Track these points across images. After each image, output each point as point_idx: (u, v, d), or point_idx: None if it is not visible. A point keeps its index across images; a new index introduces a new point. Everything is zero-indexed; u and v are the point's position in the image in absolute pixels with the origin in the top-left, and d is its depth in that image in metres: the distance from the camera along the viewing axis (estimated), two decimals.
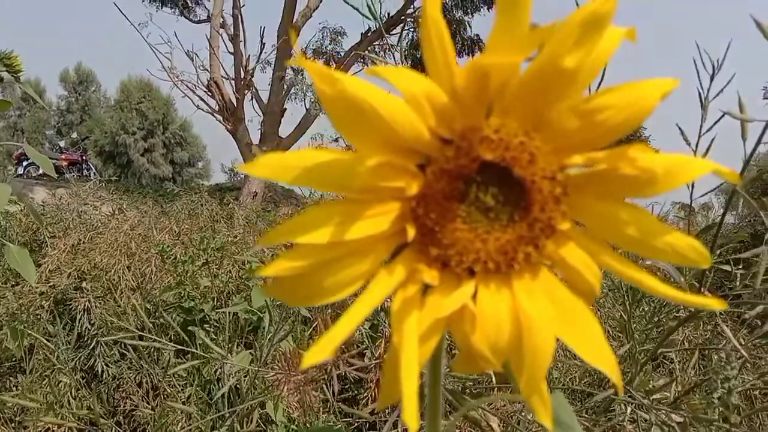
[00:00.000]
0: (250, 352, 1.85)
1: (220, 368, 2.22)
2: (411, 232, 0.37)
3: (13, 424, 2.76)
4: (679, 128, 1.17)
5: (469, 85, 0.35)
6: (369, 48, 13.30)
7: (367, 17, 1.10)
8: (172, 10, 13.93)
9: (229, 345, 2.41)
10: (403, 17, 13.25)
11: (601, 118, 0.36)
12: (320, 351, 0.33)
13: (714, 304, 0.38)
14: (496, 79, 0.35)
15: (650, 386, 1.34)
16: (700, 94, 1.22)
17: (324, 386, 1.37)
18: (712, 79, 1.20)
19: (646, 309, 1.52)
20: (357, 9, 1.11)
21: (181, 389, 2.80)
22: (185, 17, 14.02)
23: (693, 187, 1.22)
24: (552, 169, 0.37)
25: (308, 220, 0.36)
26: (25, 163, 15.44)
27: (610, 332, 1.88)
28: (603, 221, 0.38)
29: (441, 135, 0.37)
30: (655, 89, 0.35)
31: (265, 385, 1.38)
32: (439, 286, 0.38)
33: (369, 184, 0.35)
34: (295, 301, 0.37)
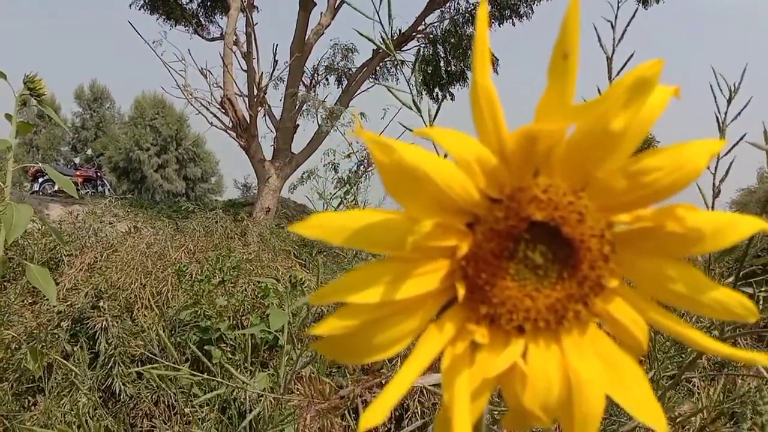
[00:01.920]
0: (269, 374, 1.85)
1: (238, 390, 2.22)
2: (461, 291, 0.37)
3: None
4: None
5: (518, 149, 0.36)
6: (381, 64, 13.38)
7: (370, 40, 1.11)
8: (186, 28, 14.07)
9: (245, 365, 2.41)
10: (414, 33, 13.31)
11: (648, 180, 0.36)
12: (374, 416, 0.33)
13: (760, 358, 0.38)
14: (545, 143, 0.36)
15: (675, 413, 1.33)
16: (717, 118, 1.22)
17: (348, 414, 1.37)
18: (729, 102, 1.20)
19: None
20: (359, 32, 1.11)
21: (198, 408, 2.80)
22: (199, 35, 14.16)
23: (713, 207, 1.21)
24: (600, 227, 0.38)
25: (358, 279, 0.36)
26: (41, 180, 15.57)
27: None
28: (650, 278, 0.39)
29: (490, 195, 0.37)
30: (703, 151, 0.36)
31: (286, 411, 1.39)
32: (489, 344, 0.38)
33: (421, 244, 0.36)
34: (345, 358, 0.38)
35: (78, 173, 17.65)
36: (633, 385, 0.38)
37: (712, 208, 1.15)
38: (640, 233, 0.38)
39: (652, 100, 0.36)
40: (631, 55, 1.18)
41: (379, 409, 0.34)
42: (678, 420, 1.30)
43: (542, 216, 0.37)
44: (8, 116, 1.83)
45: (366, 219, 0.36)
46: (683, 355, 1.33)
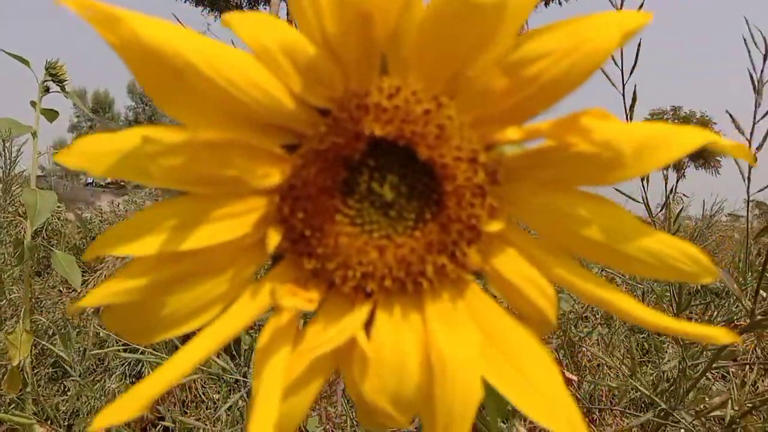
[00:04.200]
0: None
1: None
2: (274, 239, 0.27)
3: (62, 429, 2.79)
4: (730, 114, 1.02)
5: (345, 32, 0.25)
6: None
7: None
8: None
9: None
10: None
11: (533, 72, 0.25)
12: (119, 410, 0.23)
13: (720, 336, 0.26)
14: (383, 19, 0.25)
15: (704, 405, 1.19)
16: (752, 76, 1.05)
17: (345, 401, 1.28)
18: (765, 58, 1.04)
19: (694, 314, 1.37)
20: None
21: (228, 394, 2.77)
22: None
23: (749, 180, 1.05)
24: (472, 147, 0.26)
25: (136, 225, 0.26)
26: None
27: (665, 340, 1.72)
28: (552, 220, 0.27)
29: (313, 104, 0.26)
30: (610, 25, 0.24)
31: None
32: (324, 313, 0.28)
33: (205, 173, 0.25)
34: (131, 335, 0.28)
35: None
36: (528, 369, 0.27)
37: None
38: (536, 156, 0.27)
39: None
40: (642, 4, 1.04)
41: (129, 403, 0.24)
42: (705, 413, 1.17)
43: (385, 131, 0.26)
44: (33, 103, 1.80)
45: (136, 138, 0.25)
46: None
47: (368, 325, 0.27)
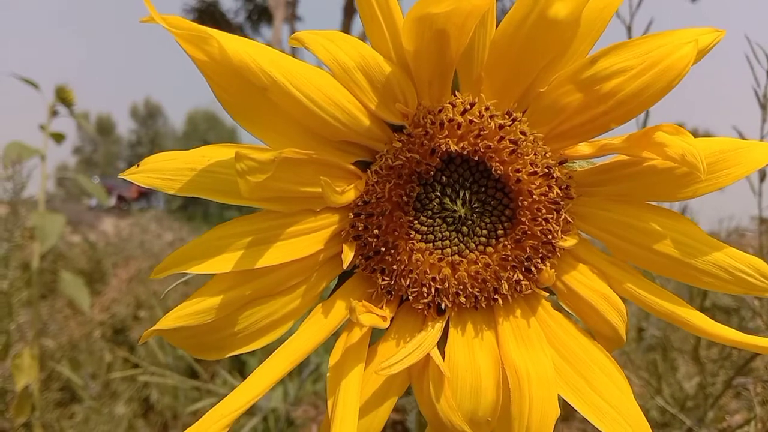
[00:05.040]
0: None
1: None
2: (348, 255, 0.27)
3: None
4: (737, 131, 1.02)
5: (420, 50, 0.25)
6: None
7: None
8: None
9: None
10: None
11: (609, 87, 0.25)
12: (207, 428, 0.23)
13: None
14: (458, 37, 0.25)
15: (725, 424, 1.18)
16: (756, 92, 1.05)
17: None
18: None
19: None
20: None
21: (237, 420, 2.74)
22: None
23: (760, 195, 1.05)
24: (546, 162, 0.26)
25: (205, 245, 0.26)
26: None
27: (680, 359, 1.70)
28: (622, 234, 0.27)
29: (387, 120, 0.26)
30: (686, 42, 0.24)
31: (295, 423, 1.29)
32: (395, 330, 0.28)
33: (283, 190, 0.25)
34: (203, 352, 0.28)
35: (133, 188, 18.07)
36: (603, 386, 0.27)
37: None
38: (606, 171, 0.27)
39: None
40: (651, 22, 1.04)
41: (215, 421, 0.23)
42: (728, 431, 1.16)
43: (460, 146, 0.26)
44: (43, 127, 1.81)
45: (210, 157, 0.25)
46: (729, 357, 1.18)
47: (439, 342, 0.27)
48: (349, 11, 12.08)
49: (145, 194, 18.57)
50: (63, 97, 1.95)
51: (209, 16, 13.44)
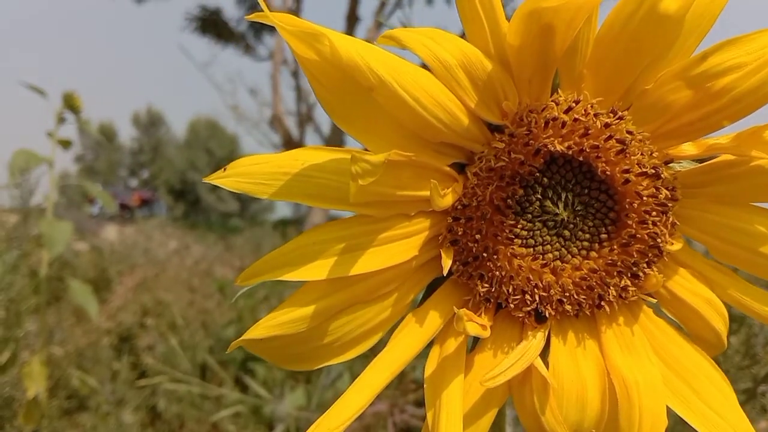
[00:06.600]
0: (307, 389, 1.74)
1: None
2: (447, 261, 0.25)
3: None
4: None
5: (523, 46, 0.24)
6: None
7: None
8: (236, 48, 14.25)
9: (283, 386, 2.32)
10: None
11: (722, 85, 0.24)
12: None
13: None
14: (564, 33, 0.24)
15: None
16: None
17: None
18: None
19: (732, 341, 1.34)
20: None
21: (243, 427, 2.72)
22: (249, 55, 14.32)
23: None
24: (653, 162, 0.25)
25: (299, 250, 0.25)
26: (99, 203, 15.97)
27: None
28: (726, 236, 0.26)
29: (486, 119, 0.25)
30: None
31: None
32: (493, 339, 0.26)
33: (381, 194, 0.24)
34: (290, 364, 0.27)
35: (135, 196, 18.10)
36: (710, 395, 0.25)
37: None
38: (711, 171, 0.26)
39: None
40: None
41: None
42: None
43: (564, 146, 0.25)
44: (50, 134, 1.81)
45: (304, 161, 0.24)
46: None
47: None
48: (351, 20, 12.09)
49: (146, 202, 18.60)
50: (71, 104, 1.95)
51: (211, 24, 13.46)
